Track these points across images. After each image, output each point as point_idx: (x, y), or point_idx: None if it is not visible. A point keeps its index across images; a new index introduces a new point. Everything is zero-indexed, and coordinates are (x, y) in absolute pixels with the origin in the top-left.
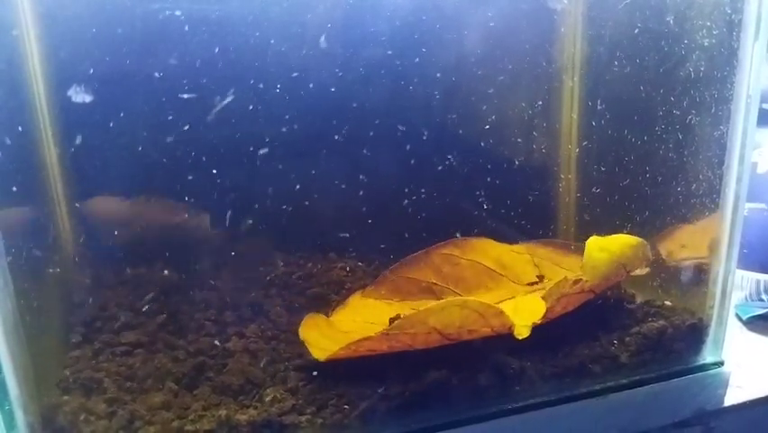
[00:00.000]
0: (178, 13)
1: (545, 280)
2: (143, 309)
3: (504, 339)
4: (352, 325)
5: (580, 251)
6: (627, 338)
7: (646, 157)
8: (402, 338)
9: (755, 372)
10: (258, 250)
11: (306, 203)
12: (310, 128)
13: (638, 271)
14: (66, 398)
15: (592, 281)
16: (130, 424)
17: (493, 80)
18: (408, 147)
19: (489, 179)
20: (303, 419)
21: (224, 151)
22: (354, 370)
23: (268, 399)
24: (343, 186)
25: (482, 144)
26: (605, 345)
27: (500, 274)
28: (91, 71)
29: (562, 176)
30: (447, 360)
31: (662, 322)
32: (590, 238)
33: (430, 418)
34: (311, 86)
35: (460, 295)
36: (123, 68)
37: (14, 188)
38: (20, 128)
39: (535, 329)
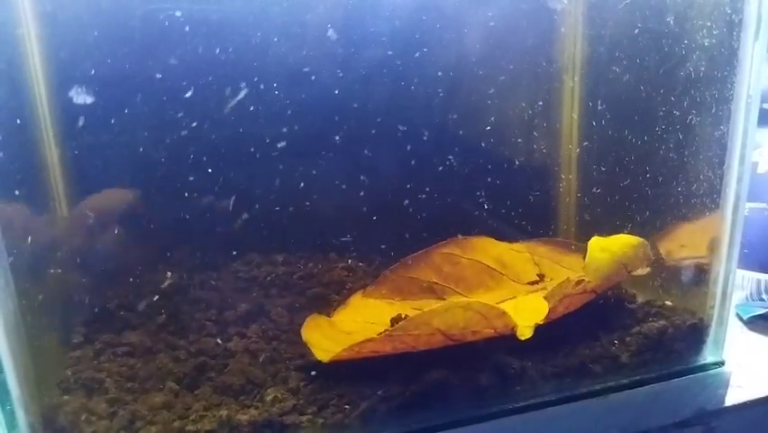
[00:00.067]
0: (178, 13)
1: (546, 279)
2: (144, 309)
3: (504, 339)
4: (354, 325)
5: (579, 249)
6: (628, 338)
7: (647, 157)
8: (406, 339)
9: (756, 371)
10: (259, 249)
11: (307, 203)
12: (310, 128)
13: (639, 271)
14: (67, 398)
15: (594, 282)
16: (131, 424)
17: (494, 80)
18: (409, 147)
19: (489, 180)
20: (304, 419)
21: (224, 151)
22: (355, 370)
23: (269, 399)
24: (344, 186)
25: (483, 144)
26: (605, 345)
27: (501, 273)
28: (92, 71)
29: (563, 176)
30: (448, 360)
31: (662, 322)
32: (592, 239)
33: (431, 418)
34: (312, 86)
35: (460, 294)
36: (124, 67)
37: (15, 188)
38: (21, 128)
39: (536, 329)
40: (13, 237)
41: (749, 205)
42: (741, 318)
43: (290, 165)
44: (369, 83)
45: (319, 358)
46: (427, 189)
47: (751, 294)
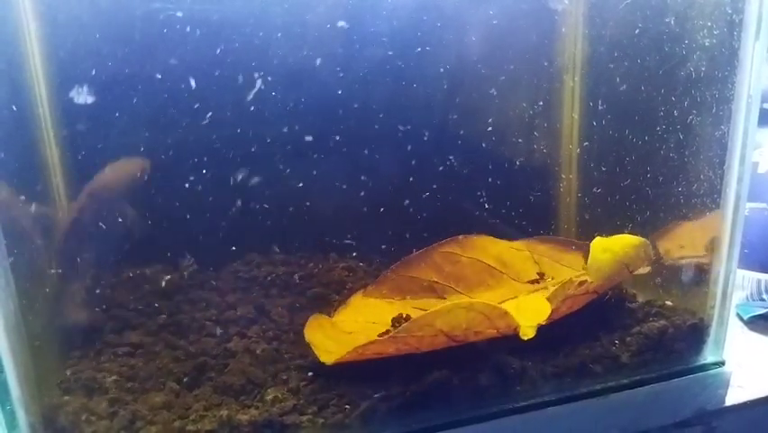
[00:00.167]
0: (179, 14)
1: (546, 278)
2: (144, 309)
3: (504, 339)
4: (355, 325)
5: (578, 248)
6: (628, 338)
7: (647, 157)
8: (409, 341)
9: (756, 371)
10: (259, 249)
11: (308, 203)
12: (310, 128)
13: (640, 270)
14: (67, 398)
15: (597, 283)
16: (131, 424)
17: (494, 80)
18: (409, 147)
19: (490, 179)
20: (304, 418)
21: (225, 151)
22: (355, 370)
23: (269, 399)
24: (344, 186)
25: (483, 144)
26: (606, 345)
27: (501, 272)
28: (93, 71)
29: (564, 175)
30: (448, 360)
31: (663, 322)
32: (595, 239)
33: (431, 418)
34: (312, 86)
35: (461, 293)
36: (125, 67)
37: (16, 188)
38: (21, 128)
39: (537, 329)
40: (13, 237)
41: (749, 205)
42: (741, 318)
43: (290, 165)
44: (368, 83)
45: (323, 360)
46: (428, 189)
47: (751, 294)
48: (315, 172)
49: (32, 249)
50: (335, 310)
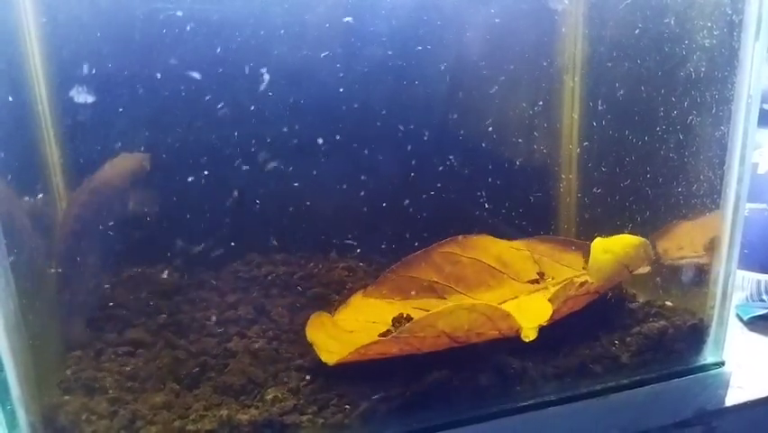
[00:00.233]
0: (179, 13)
1: (546, 278)
2: (145, 309)
3: (505, 339)
4: (355, 324)
5: (578, 247)
6: (628, 338)
7: (647, 157)
8: (411, 342)
9: (756, 372)
10: (259, 249)
11: (308, 203)
12: (310, 128)
13: (641, 270)
14: (67, 397)
15: (597, 283)
16: (131, 424)
17: (495, 81)
18: (409, 147)
19: (490, 180)
20: (304, 418)
21: (225, 151)
22: (355, 370)
23: (269, 398)
24: (345, 186)
25: (484, 144)
26: (606, 346)
27: (501, 272)
28: (93, 71)
29: (564, 176)
30: (448, 360)
31: (663, 322)
32: (595, 240)
33: (431, 418)
34: (312, 86)
35: (461, 293)
36: (126, 67)
37: (16, 188)
38: (22, 129)
39: (538, 330)
40: (13, 237)
41: (749, 205)
42: (741, 319)
43: (290, 165)
44: (368, 84)
45: (325, 360)
46: (428, 189)
47: (751, 295)
48: (315, 172)
49: (32, 248)
50: (336, 310)
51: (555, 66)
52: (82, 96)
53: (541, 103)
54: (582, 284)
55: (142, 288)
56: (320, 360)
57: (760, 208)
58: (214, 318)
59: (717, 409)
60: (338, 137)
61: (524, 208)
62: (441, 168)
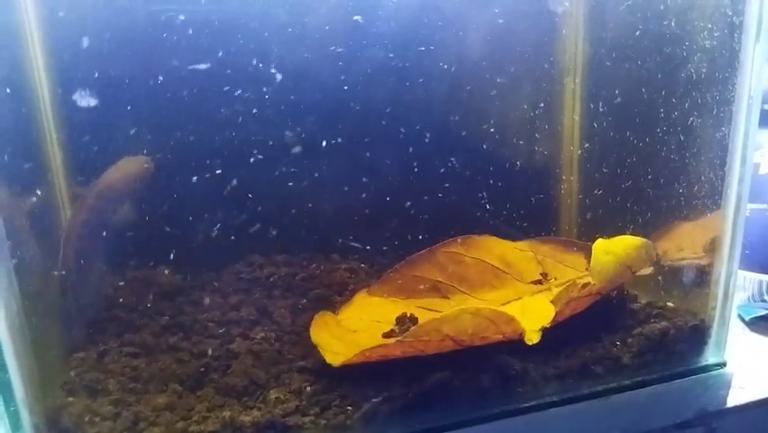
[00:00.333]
0: (181, 16)
1: (549, 279)
2: (147, 311)
3: (507, 341)
4: (359, 323)
5: (580, 248)
6: (630, 339)
7: (649, 158)
8: (416, 345)
9: (758, 373)
10: (261, 251)
11: (310, 204)
12: (313, 129)
13: (643, 271)
14: (71, 399)
15: (600, 285)
16: (134, 425)
17: (496, 82)
18: (412, 148)
19: (492, 181)
20: (306, 420)
21: (227, 152)
22: (358, 371)
23: (271, 400)
24: (347, 187)
25: (485, 146)
26: (607, 346)
27: (504, 272)
28: (96, 74)
29: (565, 177)
30: (450, 361)
31: (664, 323)
32: (597, 242)
33: (433, 419)
34: (314, 87)
35: (465, 293)
36: (128, 69)
37: (19, 190)
38: (24, 130)
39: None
40: (16, 239)
41: (750, 206)
42: (743, 319)
43: (292, 166)
44: (369, 85)
45: (329, 361)
46: (430, 190)
47: (752, 295)
48: (317, 174)
49: (36, 250)
50: (339, 308)
51: (556, 67)
52: (84, 98)
53: (542, 104)
54: (585, 286)
55: (145, 290)
56: (322, 361)
57: (761, 209)
58: (216, 320)
59: (719, 409)
60: (340, 138)
61: (525, 209)
62: (443, 169)
